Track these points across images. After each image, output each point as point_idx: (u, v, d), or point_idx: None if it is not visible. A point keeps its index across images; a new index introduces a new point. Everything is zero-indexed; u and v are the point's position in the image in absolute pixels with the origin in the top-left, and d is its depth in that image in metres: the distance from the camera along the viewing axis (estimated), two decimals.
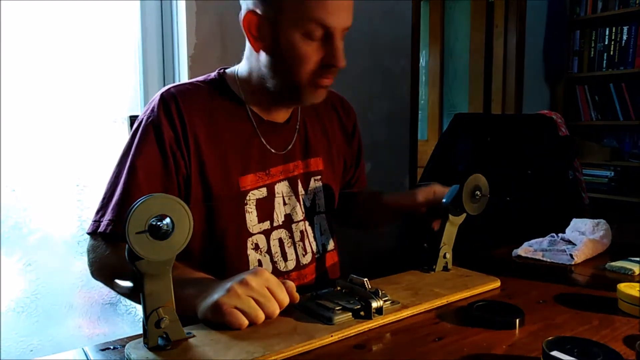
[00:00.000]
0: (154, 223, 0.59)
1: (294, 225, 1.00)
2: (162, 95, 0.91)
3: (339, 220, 1.20)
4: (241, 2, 0.91)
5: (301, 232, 1.01)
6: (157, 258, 0.60)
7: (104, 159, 1.59)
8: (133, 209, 0.58)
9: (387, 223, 1.15)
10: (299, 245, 1.00)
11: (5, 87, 1.45)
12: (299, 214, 1.01)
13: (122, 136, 1.58)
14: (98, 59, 1.61)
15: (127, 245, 0.58)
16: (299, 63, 0.86)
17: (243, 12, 0.88)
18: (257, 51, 0.89)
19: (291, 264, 0.98)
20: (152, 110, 0.89)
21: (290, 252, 0.98)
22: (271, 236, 0.96)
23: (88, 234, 0.87)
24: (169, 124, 0.88)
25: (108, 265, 0.83)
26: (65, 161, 1.57)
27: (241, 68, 0.97)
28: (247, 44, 0.94)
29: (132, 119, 1.07)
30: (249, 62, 0.94)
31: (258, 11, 0.86)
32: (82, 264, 0.88)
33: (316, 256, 1.04)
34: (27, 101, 1.50)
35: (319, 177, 1.04)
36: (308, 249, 1.02)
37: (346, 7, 0.86)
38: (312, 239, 1.03)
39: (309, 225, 1.03)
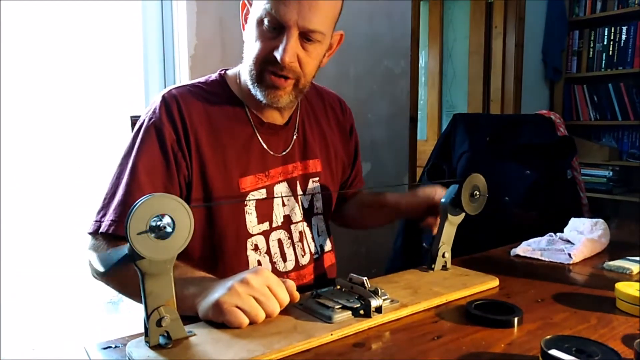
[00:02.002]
0: (155, 223, 0.59)
1: (293, 226, 1.00)
2: (163, 96, 0.92)
3: (338, 220, 1.20)
4: None
5: (300, 232, 1.01)
6: (158, 257, 0.60)
7: (104, 159, 1.59)
8: (134, 209, 0.58)
9: (386, 222, 1.15)
10: (298, 245, 1.01)
11: (7, 87, 1.45)
12: (298, 215, 1.01)
13: (122, 136, 1.58)
14: (99, 59, 1.61)
15: (128, 245, 0.59)
16: (249, 51, 0.88)
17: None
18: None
19: (290, 265, 0.99)
20: (154, 111, 0.90)
21: (289, 252, 0.99)
22: (270, 237, 0.97)
23: (89, 233, 0.87)
24: (170, 125, 0.88)
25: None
26: (65, 160, 1.57)
27: (243, 70, 0.97)
28: None
29: (133, 119, 1.07)
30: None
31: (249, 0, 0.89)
32: (83, 263, 0.88)
33: (314, 257, 1.04)
34: (28, 102, 1.50)
35: (317, 178, 1.05)
36: (307, 250, 1.02)
37: (307, 7, 0.83)
38: (310, 240, 1.04)
39: (307, 226, 1.04)
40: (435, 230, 1.01)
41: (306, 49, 0.87)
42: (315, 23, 0.84)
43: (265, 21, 0.84)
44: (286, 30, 0.84)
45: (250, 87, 0.91)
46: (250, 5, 0.89)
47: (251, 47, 0.88)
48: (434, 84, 3.54)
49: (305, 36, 0.85)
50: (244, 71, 0.93)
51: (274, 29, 0.84)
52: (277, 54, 0.84)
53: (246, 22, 0.91)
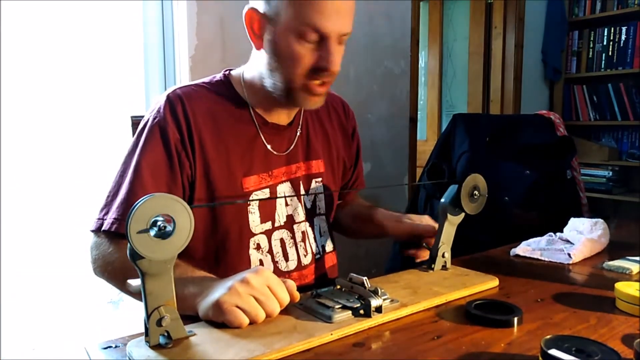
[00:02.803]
0: (156, 222, 0.59)
1: (295, 226, 1.00)
2: (168, 96, 0.92)
3: (334, 227, 1.20)
4: None
5: (302, 232, 1.01)
6: (159, 257, 0.60)
7: (105, 159, 1.60)
8: (135, 209, 0.58)
9: (375, 237, 1.15)
10: (300, 245, 1.01)
11: (8, 88, 1.45)
12: (301, 215, 1.01)
13: (123, 137, 1.58)
14: (99, 59, 1.61)
15: (128, 245, 0.59)
16: (292, 64, 0.87)
17: (246, 8, 0.90)
18: (258, 49, 0.90)
19: (292, 264, 0.99)
20: (159, 110, 0.90)
21: (291, 252, 0.99)
22: (273, 236, 0.97)
23: (91, 231, 0.87)
24: (175, 125, 0.89)
25: (111, 263, 0.83)
26: (66, 160, 1.57)
27: (247, 70, 0.97)
28: (254, 49, 0.94)
29: (134, 119, 1.07)
30: (256, 65, 0.94)
31: (259, 9, 0.87)
32: (83, 262, 0.88)
33: (316, 257, 1.04)
34: (29, 102, 1.50)
35: (319, 179, 1.05)
36: (309, 250, 1.02)
37: (343, 14, 0.85)
38: (312, 240, 1.04)
39: (310, 226, 1.04)
40: (417, 260, 1.03)
41: (338, 51, 0.88)
42: (348, 27, 0.87)
43: (306, 34, 0.84)
44: (329, 40, 0.85)
45: (283, 96, 0.91)
46: (260, 15, 0.87)
47: (288, 59, 0.86)
48: (434, 84, 3.55)
49: (339, 40, 0.87)
50: (272, 80, 0.91)
51: (314, 40, 0.85)
52: (327, 64, 0.86)
53: (255, 32, 0.89)
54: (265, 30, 0.88)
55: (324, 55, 0.85)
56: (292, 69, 0.87)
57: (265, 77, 0.92)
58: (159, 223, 0.59)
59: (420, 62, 2.88)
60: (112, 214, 0.85)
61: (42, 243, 1.55)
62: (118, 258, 0.82)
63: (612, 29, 2.92)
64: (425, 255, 1.03)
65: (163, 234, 0.60)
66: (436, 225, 0.99)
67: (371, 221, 1.10)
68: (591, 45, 3.02)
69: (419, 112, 2.58)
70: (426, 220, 1.03)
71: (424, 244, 1.02)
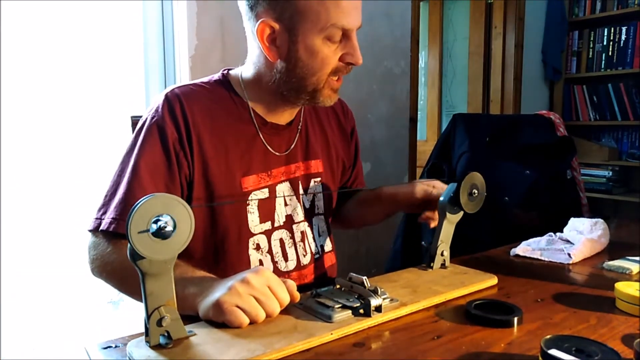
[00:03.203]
0: (156, 223, 0.59)
1: (294, 226, 1.00)
2: (166, 95, 0.92)
3: (339, 222, 1.20)
4: (243, 8, 0.91)
5: (302, 232, 1.01)
6: (159, 257, 0.60)
7: (105, 159, 1.60)
8: (135, 209, 0.58)
9: (384, 215, 1.13)
10: (300, 245, 1.01)
11: (7, 88, 1.45)
12: (300, 214, 1.01)
13: (123, 136, 1.58)
14: (99, 59, 1.61)
15: (128, 244, 0.59)
16: (321, 66, 0.89)
17: (253, 22, 0.88)
18: (274, 60, 0.90)
19: (292, 264, 0.99)
20: (157, 110, 0.90)
21: (291, 252, 0.99)
22: (272, 236, 0.97)
23: (89, 231, 0.87)
24: (173, 124, 0.88)
25: (109, 263, 0.83)
26: (66, 160, 1.57)
27: (246, 71, 0.97)
28: (253, 50, 0.94)
29: (134, 119, 1.07)
30: (257, 67, 0.94)
31: (273, 21, 0.86)
32: (83, 262, 0.88)
33: (315, 257, 1.04)
34: (29, 102, 1.50)
35: (318, 179, 1.05)
36: (308, 250, 1.02)
37: (358, 7, 0.89)
38: (311, 240, 1.04)
39: (309, 226, 1.04)
40: (432, 224, 1.01)
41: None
42: (361, 19, 0.90)
43: (332, 35, 0.86)
44: (351, 35, 0.88)
45: (306, 98, 0.92)
46: (275, 27, 0.86)
47: (316, 63, 0.88)
48: (434, 84, 3.55)
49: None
50: (283, 81, 0.91)
51: (338, 39, 0.88)
52: (356, 59, 0.89)
53: (271, 44, 0.88)
54: (283, 41, 0.88)
55: (350, 52, 0.89)
56: (321, 71, 0.89)
57: (283, 83, 0.91)
58: (159, 223, 0.59)
59: (420, 62, 2.88)
60: (110, 214, 0.84)
61: (42, 243, 1.55)
62: (116, 258, 0.82)
63: (612, 29, 2.92)
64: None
65: (163, 234, 0.60)
66: (445, 186, 0.99)
67: (379, 199, 1.09)
68: (591, 45, 3.02)
69: (419, 112, 2.58)
70: (437, 183, 1.02)
71: (423, 243, 1.02)
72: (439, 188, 0.99)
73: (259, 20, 0.87)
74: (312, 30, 0.85)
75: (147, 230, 0.59)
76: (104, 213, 0.85)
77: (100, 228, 0.84)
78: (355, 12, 0.87)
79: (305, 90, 0.91)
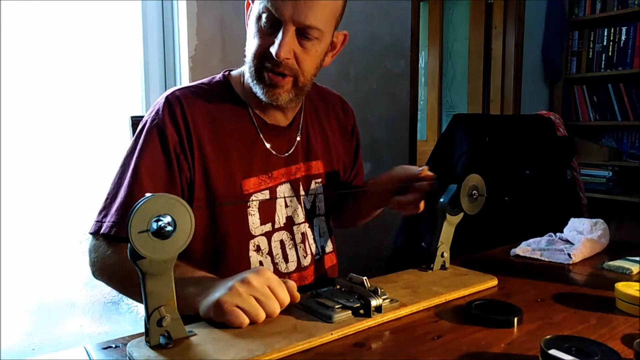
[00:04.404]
0: (156, 223, 0.59)
1: (295, 227, 1.00)
2: (167, 98, 0.91)
3: (340, 221, 1.20)
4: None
5: (302, 234, 1.01)
6: (159, 257, 0.60)
7: (104, 159, 1.60)
8: (135, 209, 0.58)
9: (375, 209, 1.12)
10: (300, 247, 1.01)
11: (6, 88, 1.45)
12: (300, 216, 1.01)
13: (122, 137, 1.58)
14: (99, 60, 1.61)
15: (129, 245, 0.59)
16: (249, 46, 0.89)
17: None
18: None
19: (292, 266, 0.99)
20: (157, 112, 0.90)
21: (291, 253, 0.99)
22: (273, 238, 0.97)
23: (90, 233, 0.87)
24: (173, 127, 0.88)
25: (110, 265, 0.83)
26: (65, 161, 1.57)
27: (245, 69, 0.97)
28: None
29: (133, 119, 1.07)
30: None
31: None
32: (84, 262, 0.88)
33: (316, 258, 1.04)
34: (28, 102, 1.50)
35: (319, 179, 1.05)
36: (308, 251, 1.02)
37: (303, 3, 0.83)
38: (312, 241, 1.04)
39: (309, 227, 1.04)
40: (403, 211, 1.00)
41: (304, 46, 0.87)
42: (311, 19, 0.84)
43: (263, 17, 0.85)
44: (282, 26, 0.84)
45: (251, 85, 0.91)
46: (250, 2, 0.91)
47: (250, 44, 0.89)
48: (434, 84, 3.55)
49: (303, 33, 0.85)
50: (246, 70, 0.93)
51: (271, 26, 0.85)
52: (273, 49, 0.84)
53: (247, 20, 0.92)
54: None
55: (272, 42, 0.85)
56: (248, 54, 0.89)
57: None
58: (159, 223, 0.59)
59: (420, 62, 2.89)
60: (110, 217, 0.84)
61: (42, 243, 1.55)
62: (117, 261, 0.82)
63: (612, 29, 2.92)
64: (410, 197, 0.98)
65: (163, 234, 0.60)
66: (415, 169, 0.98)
67: (370, 191, 1.08)
68: (591, 46, 3.02)
69: (419, 112, 2.58)
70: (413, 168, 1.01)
71: (423, 244, 1.02)
72: (414, 171, 0.98)
73: None
74: (253, 9, 0.87)
75: (148, 230, 0.59)
76: (105, 216, 0.85)
77: (101, 232, 0.84)
78: (291, 2, 0.82)
79: (249, 78, 0.91)
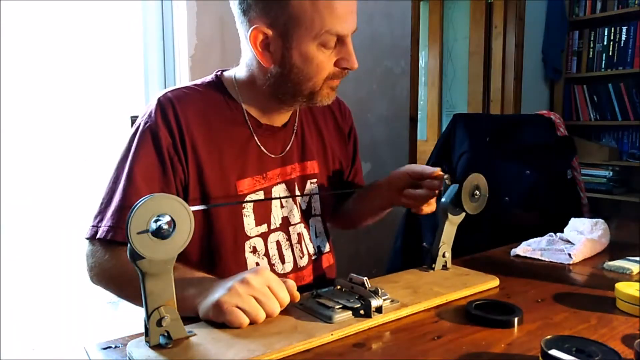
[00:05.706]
0: (155, 223, 0.59)
1: (291, 228, 1.00)
2: (159, 99, 0.90)
3: (339, 222, 1.20)
4: (236, 10, 0.89)
5: (298, 234, 1.01)
6: (159, 257, 0.60)
7: (105, 159, 1.60)
8: (135, 209, 0.58)
9: (380, 210, 1.12)
10: (297, 247, 1.00)
11: (7, 87, 1.45)
12: (296, 216, 1.01)
13: (122, 136, 1.58)
14: (99, 59, 1.61)
15: (128, 245, 0.59)
16: (316, 72, 0.88)
17: (246, 27, 0.87)
18: (268, 65, 0.88)
19: (289, 266, 0.99)
20: (150, 115, 0.89)
21: (287, 254, 0.99)
22: (269, 239, 0.96)
23: (86, 238, 0.86)
24: (166, 129, 0.87)
25: (107, 270, 0.83)
26: (66, 161, 1.57)
27: (240, 72, 0.96)
28: (246, 52, 0.93)
29: (133, 119, 1.07)
30: (250, 69, 0.93)
31: (266, 27, 0.85)
32: (82, 263, 0.88)
33: (313, 258, 1.04)
34: (28, 102, 1.50)
35: (314, 180, 1.04)
36: (305, 251, 1.02)
37: (354, 11, 0.87)
38: (308, 241, 1.03)
39: (305, 227, 1.03)
40: (413, 206, 1.00)
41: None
42: (356, 22, 0.88)
43: (327, 41, 0.85)
44: (346, 40, 0.87)
45: (304, 99, 0.91)
46: (268, 33, 0.85)
47: (311, 69, 0.87)
48: (434, 84, 3.55)
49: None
50: (278, 85, 0.90)
51: (333, 45, 0.87)
52: (351, 64, 0.88)
53: (264, 50, 0.87)
54: (277, 47, 0.86)
55: (345, 57, 0.88)
56: (317, 77, 0.88)
57: (278, 87, 0.90)
58: (158, 223, 0.59)
59: (420, 62, 2.88)
60: (106, 222, 0.84)
61: (42, 243, 1.55)
62: (114, 265, 0.81)
63: (613, 29, 2.92)
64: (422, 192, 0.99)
65: (163, 234, 0.60)
66: (418, 167, 1.01)
67: (371, 191, 1.09)
68: (591, 45, 3.02)
69: (419, 112, 2.58)
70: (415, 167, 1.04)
71: (424, 244, 1.02)
72: (422, 168, 1.00)
73: (252, 27, 0.85)
74: (306, 36, 0.84)
75: (147, 231, 0.59)
76: (100, 221, 0.84)
77: (97, 236, 0.83)
78: (350, 17, 0.85)
79: (302, 94, 0.90)
